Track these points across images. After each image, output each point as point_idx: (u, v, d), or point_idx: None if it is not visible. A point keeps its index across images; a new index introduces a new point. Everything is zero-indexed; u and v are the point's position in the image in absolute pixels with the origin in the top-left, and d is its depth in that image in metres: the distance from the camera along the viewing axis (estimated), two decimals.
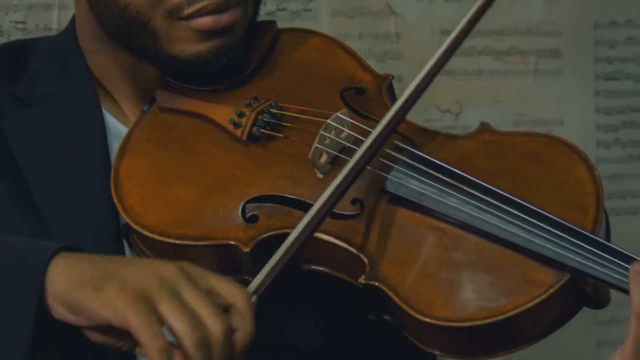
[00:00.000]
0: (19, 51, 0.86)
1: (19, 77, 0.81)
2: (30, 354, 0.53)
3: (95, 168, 0.77)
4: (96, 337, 0.55)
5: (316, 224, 0.63)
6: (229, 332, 0.53)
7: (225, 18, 0.74)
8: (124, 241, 0.76)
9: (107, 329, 0.54)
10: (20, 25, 1.55)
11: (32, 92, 0.80)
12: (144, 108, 0.81)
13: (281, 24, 0.92)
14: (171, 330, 0.52)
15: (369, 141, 0.67)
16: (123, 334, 0.53)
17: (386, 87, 0.81)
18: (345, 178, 0.65)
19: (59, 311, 0.54)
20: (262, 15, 0.91)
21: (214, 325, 0.52)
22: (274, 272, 0.60)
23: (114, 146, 0.78)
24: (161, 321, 0.51)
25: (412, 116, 0.78)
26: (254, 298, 0.58)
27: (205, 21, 0.73)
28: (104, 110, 0.81)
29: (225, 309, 0.55)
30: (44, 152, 0.77)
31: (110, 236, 0.75)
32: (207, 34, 0.74)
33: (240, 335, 0.54)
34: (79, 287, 0.53)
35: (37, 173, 0.75)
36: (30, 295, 0.54)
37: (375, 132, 0.68)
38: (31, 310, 0.53)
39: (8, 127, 0.77)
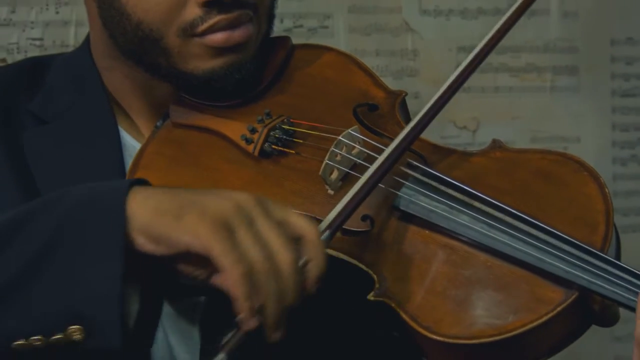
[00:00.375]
0: (36, 68, 0.87)
1: (35, 94, 0.82)
2: (122, 289, 0.54)
3: None
4: (175, 266, 0.56)
5: (328, 240, 0.63)
6: (298, 261, 0.55)
7: (238, 34, 0.74)
8: None
9: (187, 257, 0.55)
10: (37, 42, 1.57)
11: (48, 108, 0.81)
12: (158, 124, 0.81)
13: (298, 41, 0.93)
14: (246, 257, 0.53)
15: (381, 159, 0.67)
16: (202, 261, 0.55)
17: (399, 103, 0.82)
18: (355, 195, 0.65)
19: (141, 242, 0.55)
20: (279, 32, 0.92)
21: (285, 254, 0.54)
22: None
23: (129, 162, 0.78)
24: (239, 253, 0.53)
25: (429, 133, 0.78)
26: (326, 233, 0.60)
27: (218, 37, 0.74)
28: (119, 127, 0.82)
29: (296, 241, 0.57)
30: (60, 168, 0.78)
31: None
32: (220, 50, 0.75)
33: (311, 265, 0.56)
34: (160, 216, 0.55)
35: (53, 189, 0.72)
36: (114, 232, 0.55)
37: (388, 150, 0.68)
38: (118, 246, 0.54)
39: (26, 143, 0.78)
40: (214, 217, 0.54)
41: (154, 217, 0.55)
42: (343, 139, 0.72)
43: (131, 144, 0.82)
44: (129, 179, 0.62)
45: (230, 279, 0.53)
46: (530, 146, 1.88)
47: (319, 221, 0.65)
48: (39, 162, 0.77)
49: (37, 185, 0.76)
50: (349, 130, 0.73)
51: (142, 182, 0.60)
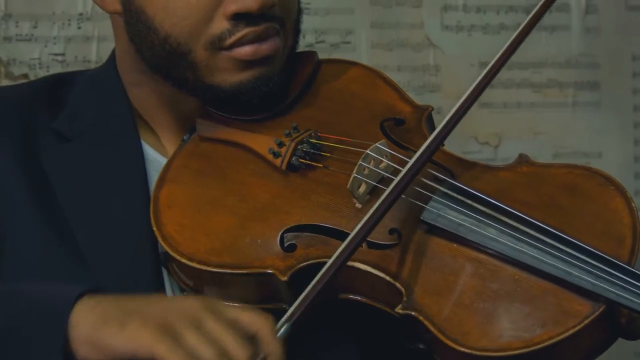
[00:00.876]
0: (58, 85, 0.87)
1: (58, 111, 0.83)
2: None
3: (135, 199, 0.78)
4: None
5: (351, 252, 0.64)
6: (255, 358, 0.54)
7: (265, 47, 0.75)
8: (163, 269, 0.77)
9: None
10: (59, 58, 1.59)
11: (72, 126, 0.82)
12: (185, 137, 0.82)
13: (320, 57, 0.94)
14: (194, 357, 0.53)
15: (404, 170, 0.68)
16: None
17: (426, 118, 0.83)
18: (380, 207, 0.66)
19: (86, 352, 0.55)
20: (302, 47, 0.92)
21: (238, 353, 0.53)
22: (307, 301, 0.61)
23: (153, 177, 0.79)
24: (186, 352, 0.52)
25: (451, 148, 0.79)
26: (285, 326, 0.59)
27: (246, 50, 0.74)
28: (143, 142, 0.82)
29: (251, 338, 0.56)
30: (83, 185, 0.78)
31: (149, 265, 0.76)
32: (248, 63, 0.75)
33: None
34: (103, 325, 0.55)
35: (76, 205, 0.76)
36: (54, 344, 0.55)
37: (411, 162, 0.69)
38: (57, 356, 0.55)
39: (48, 162, 0.78)
40: (156, 322, 0.54)
41: (98, 326, 0.55)
42: (371, 153, 0.73)
43: (155, 159, 0.83)
44: (79, 286, 0.60)
45: None
46: (552, 162, 1.88)
47: (346, 235, 0.66)
48: (60, 179, 0.77)
49: (58, 201, 0.76)
50: (377, 144, 0.74)
51: (93, 290, 0.60)
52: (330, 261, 0.63)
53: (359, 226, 0.65)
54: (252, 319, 0.57)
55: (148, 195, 0.77)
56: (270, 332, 0.56)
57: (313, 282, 0.62)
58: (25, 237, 0.73)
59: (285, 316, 0.60)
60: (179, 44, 0.74)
